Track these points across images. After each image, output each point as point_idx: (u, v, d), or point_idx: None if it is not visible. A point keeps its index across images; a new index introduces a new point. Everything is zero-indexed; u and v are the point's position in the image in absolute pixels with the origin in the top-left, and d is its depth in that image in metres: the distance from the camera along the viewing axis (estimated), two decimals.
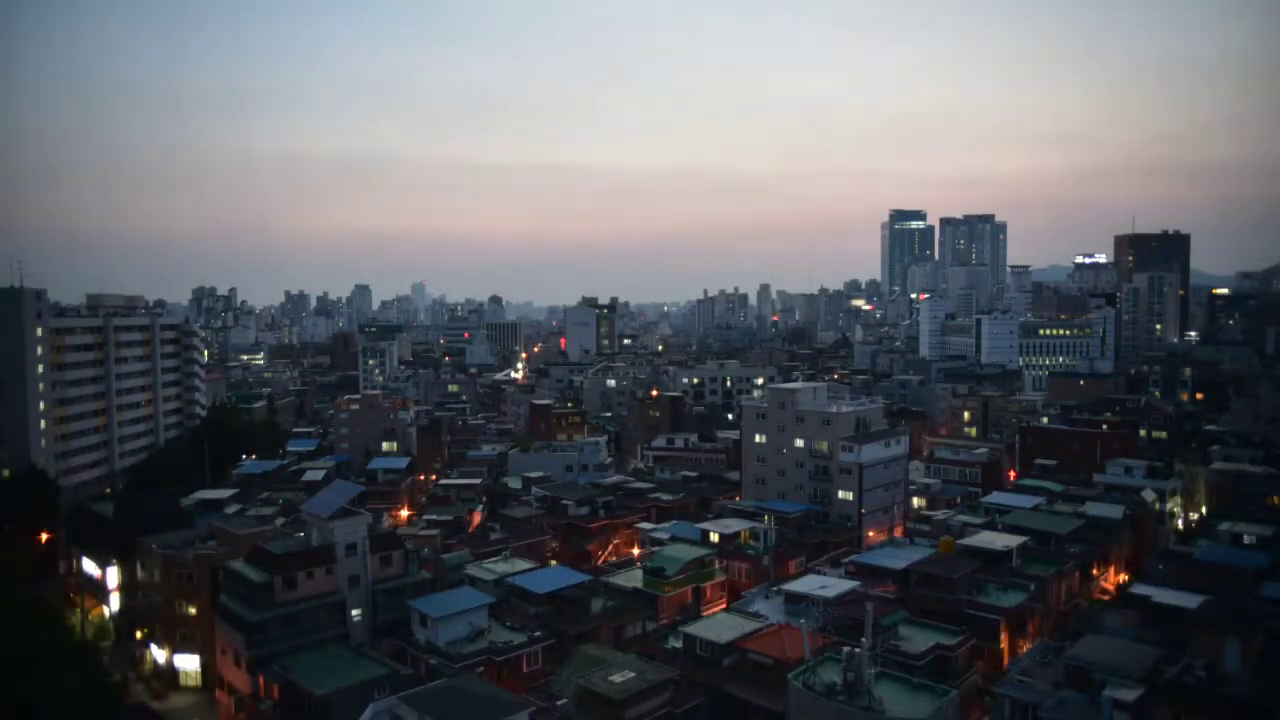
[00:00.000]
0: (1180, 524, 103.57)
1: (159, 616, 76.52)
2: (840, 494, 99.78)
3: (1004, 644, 63.68)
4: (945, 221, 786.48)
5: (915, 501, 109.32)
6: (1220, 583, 63.33)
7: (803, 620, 55.41)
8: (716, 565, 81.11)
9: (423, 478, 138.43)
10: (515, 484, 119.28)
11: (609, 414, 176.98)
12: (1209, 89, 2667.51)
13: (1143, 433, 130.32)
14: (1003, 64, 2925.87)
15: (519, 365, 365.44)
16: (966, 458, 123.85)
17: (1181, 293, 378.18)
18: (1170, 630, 54.63)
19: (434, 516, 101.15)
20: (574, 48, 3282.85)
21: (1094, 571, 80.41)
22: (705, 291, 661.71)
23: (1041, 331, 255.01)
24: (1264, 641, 51.03)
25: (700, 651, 60.19)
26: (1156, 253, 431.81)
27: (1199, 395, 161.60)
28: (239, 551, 74.88)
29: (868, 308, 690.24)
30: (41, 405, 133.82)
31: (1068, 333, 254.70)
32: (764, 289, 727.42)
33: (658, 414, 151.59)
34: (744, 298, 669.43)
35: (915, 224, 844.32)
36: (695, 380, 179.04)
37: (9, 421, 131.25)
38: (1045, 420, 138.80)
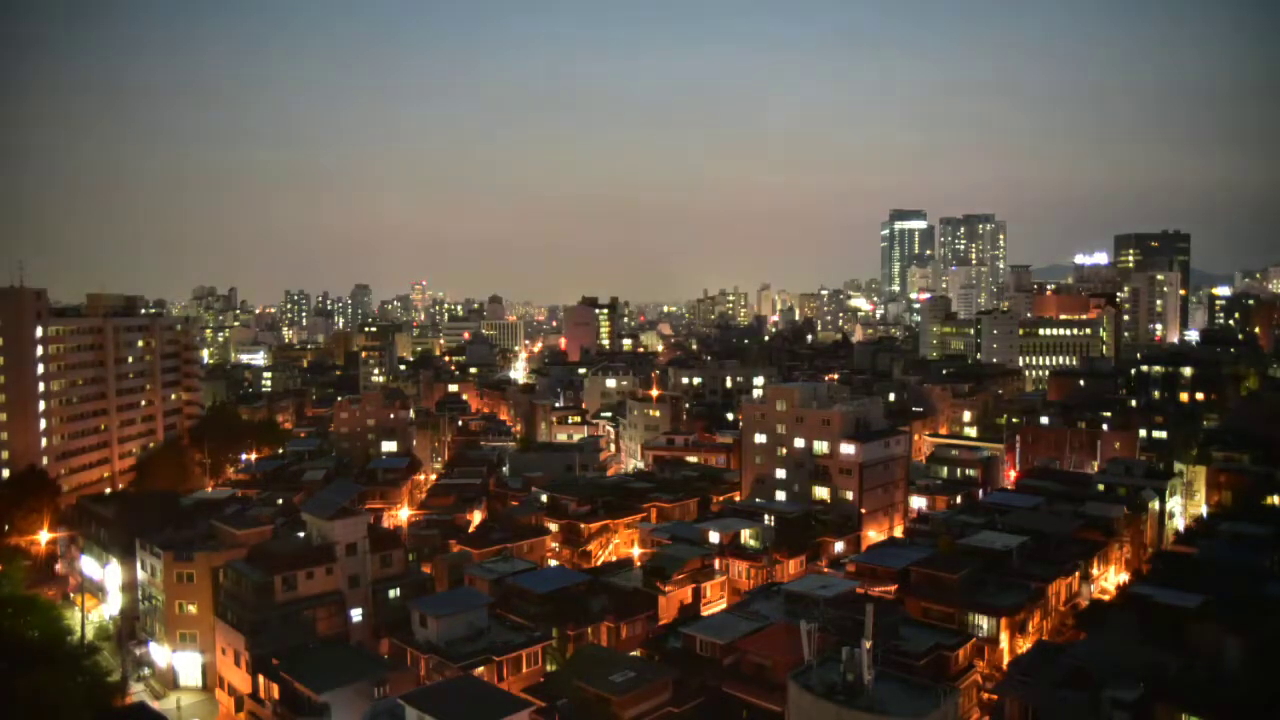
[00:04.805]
0: (1180, 524, 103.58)
1: (159, 616, 76.56)
2: (840, 494, 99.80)
3: (1004, 644, 63.71)
4: (945, 221, 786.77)
5: (915, 501, 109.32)
6: (1220, 583, 63.30)
7: (803, 620, 55.38)
8: (716, 565, 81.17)
9: (423, 477, 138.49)
10: (515, 484, 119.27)
11: (609, 414, 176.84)
12: (1210, 87, 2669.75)
13: (1143, 433, 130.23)
14: (1003, 65, 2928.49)
15: (519, 365, 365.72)
16: (966, 458, 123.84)
17: (1182, 293, 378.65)
18: (1170, 630, 54.61)
19: (434, 516, 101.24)
20: (575, 54, 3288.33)
21: (1094, 571, 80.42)
22: (705, 291, 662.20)
23: (1041, 331, 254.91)
24: (1264, 641, 50.98)
25: (700, 651, 60.24)
26: (1157, 252, 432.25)
27: (1199, 395, 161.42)
28: (239, 551, 74.96)
29: (868, 307, 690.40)
30: (42, 405, 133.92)
31: (1068, 332, 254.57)
32: (764, 289, 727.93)
33: (658, 414, 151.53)
34: (744, 297, 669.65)
35: (915, 223, 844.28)
36: (695, 380, 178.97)
37: (9, 422, 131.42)
38: (1045, 420, 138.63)
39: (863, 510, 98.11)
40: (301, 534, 77.43)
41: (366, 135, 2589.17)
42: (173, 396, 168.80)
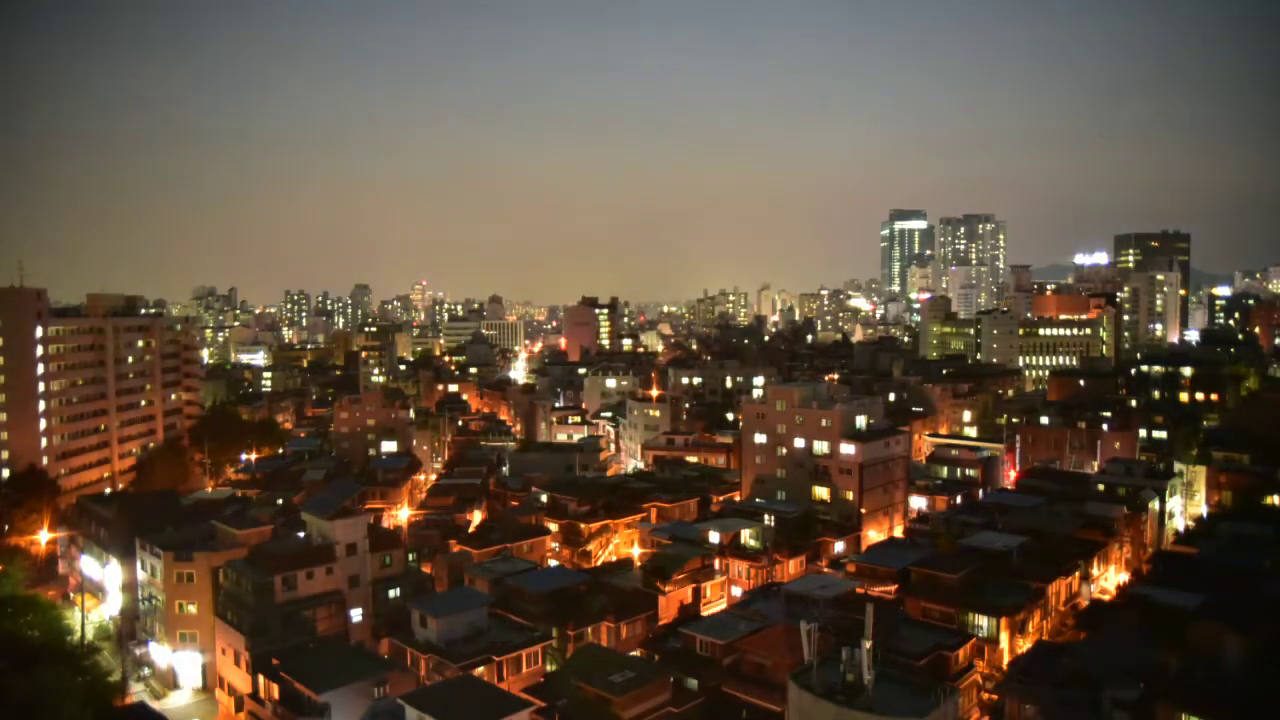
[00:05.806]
0: (1180, 524, 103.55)
1: (159, 616, 76.56)
2: (840, 494, 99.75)
3: (1004, 644, 63.72)
4: (945, 221, 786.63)
5: (915, 501, 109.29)
6: (1220, 583, 63.28)
7: (803, 620, 55.38)
8: (716, 565, 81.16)
9: (423, 477, 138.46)
10: (515, 484, 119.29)
11: (609, 414, 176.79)
12: (1211, 87, 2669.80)
13: (1143, 433, 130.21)
14: (1004, 65, 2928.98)
15: (519, 365, 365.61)
16: (966, 458, 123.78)
17: (1182, 293, 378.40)
18: (1170, 630, 54.58)
19: (434, 516, 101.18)
20: (575, 55, 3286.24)
21: (1094, 571, 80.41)
22: (705, 291, 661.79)
23: (1041, 331, 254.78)
24: (1264, 641, 50.94)
25: (700, 651, 60.24)
26: (1157, 252, 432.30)
27: (1199, 395, 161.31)
28: (239, 551, 74.95)
29: (868, 307, 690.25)
30: (42, 405, 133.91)
31: (1068, 332, 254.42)
32: (764, 289, 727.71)
33: (658, 414, 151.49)
34: (744, 297, 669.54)
35: (915, 223, 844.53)
36: (695, 380, 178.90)
37: (9, 422, 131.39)
38: (1045, 420, 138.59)
39: (863, 510, 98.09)
40: (301, 534, 77.41)
41: (367, 135, 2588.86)
42: (173, 396, 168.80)
